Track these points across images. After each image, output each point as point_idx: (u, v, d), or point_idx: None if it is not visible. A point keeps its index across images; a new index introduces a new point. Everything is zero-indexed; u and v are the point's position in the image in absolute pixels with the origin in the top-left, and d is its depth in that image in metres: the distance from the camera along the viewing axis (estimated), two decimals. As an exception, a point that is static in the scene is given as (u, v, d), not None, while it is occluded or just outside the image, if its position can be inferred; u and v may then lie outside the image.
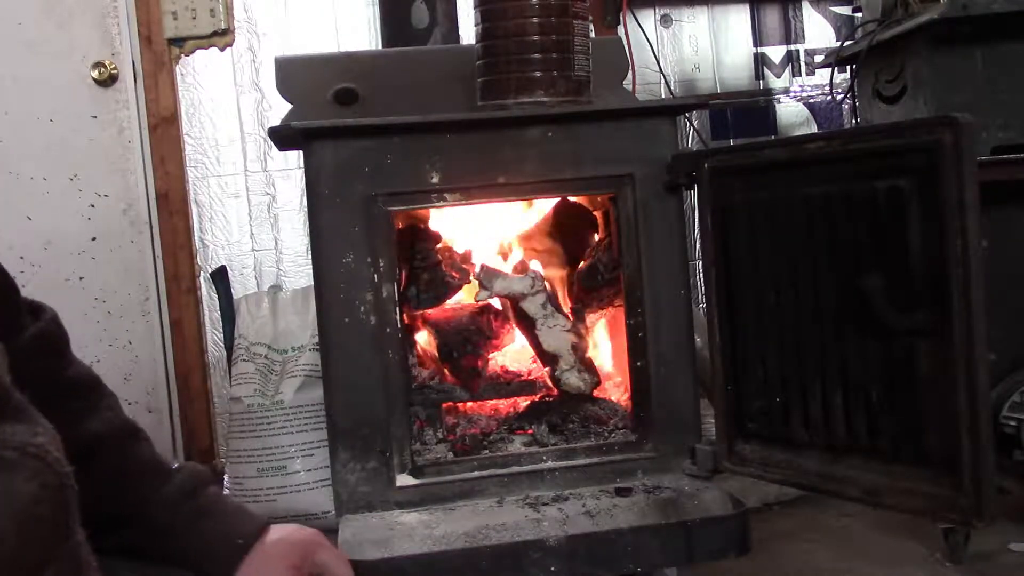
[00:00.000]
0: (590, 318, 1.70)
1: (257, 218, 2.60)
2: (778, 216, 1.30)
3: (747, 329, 1.37)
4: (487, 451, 1.51)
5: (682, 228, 1.52)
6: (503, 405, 1.66)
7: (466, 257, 1.66)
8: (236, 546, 0.96)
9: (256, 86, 2.56)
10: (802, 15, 2.83)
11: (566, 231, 1.74)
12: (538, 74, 1.48)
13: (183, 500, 0.96)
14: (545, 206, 1.72)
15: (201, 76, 2.56)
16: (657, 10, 2.74)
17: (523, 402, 1.65)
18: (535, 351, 1.64)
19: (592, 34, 1.58)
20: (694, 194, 1.45)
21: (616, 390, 1.67)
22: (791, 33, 2.83)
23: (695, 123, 2.68)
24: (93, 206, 2.52)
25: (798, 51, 2.83)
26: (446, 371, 1.63)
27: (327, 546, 1.03)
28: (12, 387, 0.64)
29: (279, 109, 1.80)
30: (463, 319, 1.64)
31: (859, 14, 2.31)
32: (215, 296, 2.49)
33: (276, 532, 1.00)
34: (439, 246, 1.63)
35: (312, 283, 1.48)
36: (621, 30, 2.55)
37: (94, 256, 2.52)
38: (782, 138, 2.68)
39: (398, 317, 1.45)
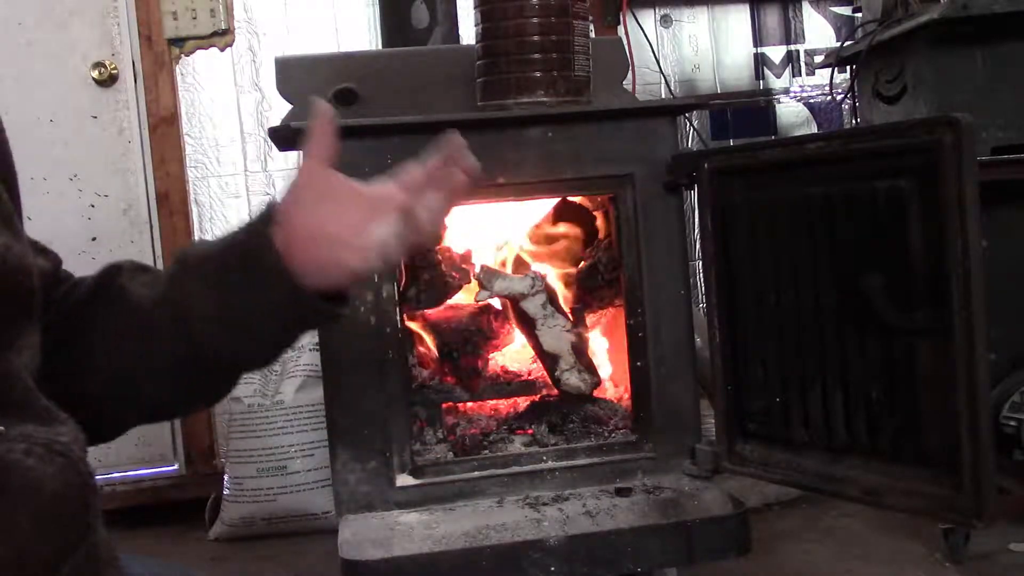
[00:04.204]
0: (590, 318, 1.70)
1: (257, 218, 2.59)
2: (778, 216, 1.30)
3: (747, 329, 1.37)
4: (487, 451, 1.51)
5: (682, 228, 1.52)
6: (503, 405, 1.66)
7: (466, 257, 1.66)
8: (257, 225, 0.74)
9: (256, 86, 2.56)
10: (802, 15, 2.82)
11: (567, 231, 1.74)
12: (538, 74, 1.48)
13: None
14: (545, 206, 1.72)
15: (201, 76, 2.56)
16: (657, 10, 2.74)
17: (523, 402, 1.65)
18: (535, 351, 1.64)
19: (592, 34, 1.58)
20: (694, 194, 1.45)
21: (616, 390, 1.68)
22: (791, 33, 2.82)
23: (695, 123, 2.67)
24: (93, 206, 2.52)
25: (798, 51, 2.82)
26: (446, 371, 1.63)
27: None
28: (36, 389, 0.64)
29: (279, 109, 1.80)
30: (463, 319, 1.64)
31: (859, 14, 2.31)
32: (215, 296, 2.48)
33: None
34: (439, 246, 1.63)
35: (312, 283, 1.48)
36: (621, 30, 2.55)
37: (94, 256, 2.51)
38: (782, 138, 2.68)
39: (398, 317, 1.45)
